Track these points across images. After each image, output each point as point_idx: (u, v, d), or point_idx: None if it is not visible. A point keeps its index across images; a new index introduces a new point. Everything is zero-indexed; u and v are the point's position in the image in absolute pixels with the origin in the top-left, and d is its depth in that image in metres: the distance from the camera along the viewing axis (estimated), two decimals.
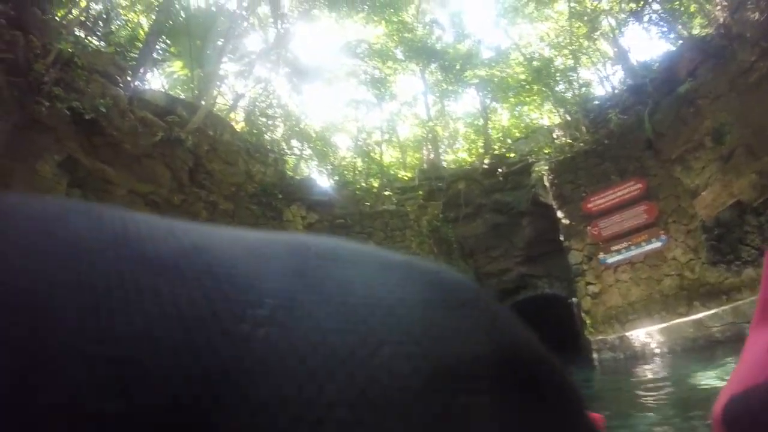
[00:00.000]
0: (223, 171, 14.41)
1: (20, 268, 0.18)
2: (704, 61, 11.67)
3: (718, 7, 11.61)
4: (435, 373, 0.20)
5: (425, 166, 18.38)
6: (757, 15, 10.77)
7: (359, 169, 18.33)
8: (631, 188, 12.93)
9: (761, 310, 0.59)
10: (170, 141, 12.73)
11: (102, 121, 11.51)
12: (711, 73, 11.48)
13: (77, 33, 12.09)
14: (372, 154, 18.80)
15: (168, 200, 12.85)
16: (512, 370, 0.22)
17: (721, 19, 11.47)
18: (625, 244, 12.82)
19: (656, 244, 12.40)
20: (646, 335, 11.61)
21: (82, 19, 12.52)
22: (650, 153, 12.82)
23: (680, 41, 13.10)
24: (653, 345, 11.42)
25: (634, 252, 12.68)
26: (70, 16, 12.09)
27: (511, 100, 18.31)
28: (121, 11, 14.77)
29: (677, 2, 13.58)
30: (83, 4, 12.87)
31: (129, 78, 12.84)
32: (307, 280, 0.21)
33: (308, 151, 18.01)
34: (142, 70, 13.26)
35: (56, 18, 11.56)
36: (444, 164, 18.61)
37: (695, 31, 13.03)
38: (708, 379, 8.55)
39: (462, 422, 0.20)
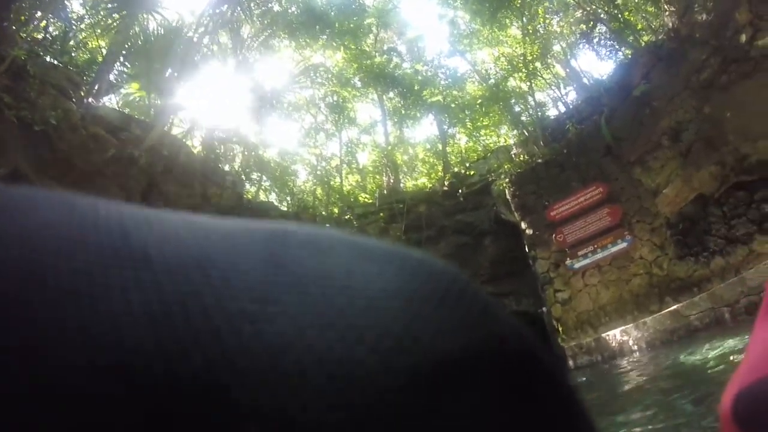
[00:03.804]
0: (178, 193, 13.88)
1: None
2: (657, 65, 12.21)
3: (667, 13, 12.26)
4: (420, 369, 0.19)
5: (385, 191, 18.33)
6: (704, 16, 11.41)
7: (319, 197, 18.11)
8: (592, 193, 13.10)
9: None
10: (123, 159, 12.24)
11: (52, 135, 10.99)
12: (664, 74, 11.98)
13: (33, 47, 11.67)
14: (332, 181, 18.65)
15: None
16: (502, 365, 0.22)
17: (671, 24, 12.09)
18: (591, 248, 12.86)
19: (622, 245, 12.48)
20: (622, 333, 11.48)
21: (38, 37, 12.18)
22: (609, 158, 13.11)
23: (632, 51, 13.72)
24: (630, 342, 11.27)
25: (600, 255, 12.71)
26: (26, 28, 11.71)
27: (469, 125, 18.70)
28: (80, 34, 14.48)
29: (627, 16, 14.29)
30: (43, 24, 12.57)
31: (83, 93, 12.43)
32: (284, 271, 0.20)
33: (267, 182, 17.74)
34: (97, 87, 12.89)
35: (13, 27, 11.16)
36: (404, 189, 18.63)
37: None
38: (690, 360, 8.43)
39: (450, 420, 0.19)
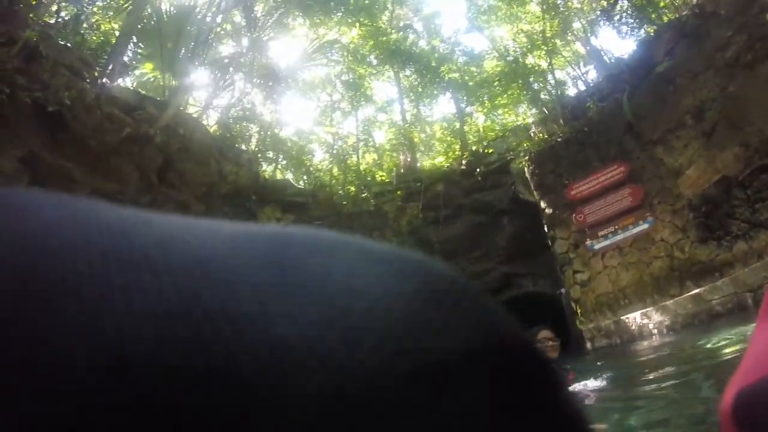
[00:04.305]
0: (194, 171, 13.87)
1: None
2: (680, 41, 11.84)
3: None
4: (420, 369, 0.20)
5: (402, 170, 18.18)
6: None
7: (335, 176, 18.04)
8: (614, 172, 12.84)
9: None
10: (138, 138, 12.23)
11: (66, 115, 10.99)
12: (688, 51, 11.62)
13: (45, 29, 11.60)
14: (348, 160, 18.54)
15: (135, 200, 12.23)
16: (501, 365, 0.22)
17: (695, 0, 11.70)
18: (611, 229, 12.65)
19: (643, 227, 12.25)
20: (642, 316, 11.36)
21: (49, 20, 12.09)
22: (631, 136, 12.80)
23: (655, 28, 13.30)
24: (651, 326, 11.15)
25: (621, 236, 12.50)
26: (37, 11, 11.64)
27: (487, 103, 18.40)
28: (92, 18, 14.39)
29: None
30: (55, 8, 12.48)
31: (96, 74, 12.39)
32: (285, 272, 0.20)
33: (284, 161, 17.69)
34: (111, 67, 12.83)
35: (25, 10, 11.11)
36: (421, 168, 18.48)
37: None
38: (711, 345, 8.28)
39: (450, 420, 0.20)
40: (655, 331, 11.02)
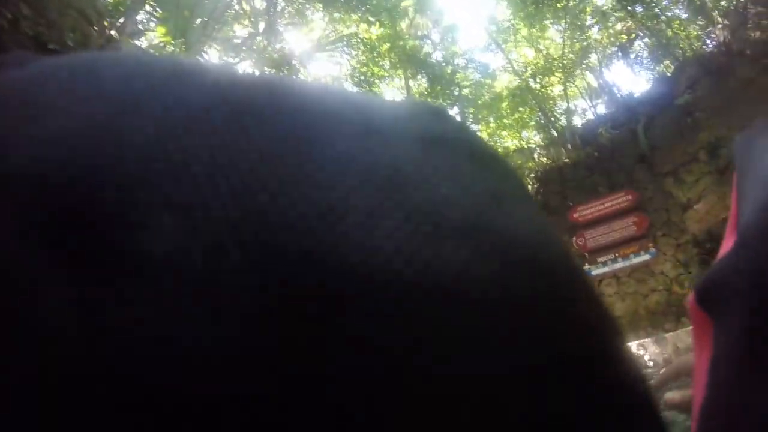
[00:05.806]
0: None
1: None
2: (703, 77, 11.86)
3: (720, 26, 11.96)
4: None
5: None
6: (758, 33, 11.11)
7: None
8: (621, 199, 12.64)
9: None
10: None
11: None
12: (710, 87, 11.63)
13: None
14: None
15: None
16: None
17: (722, 38, 11.79)
18: (611, 256, 12.39)
19: (645, 257, 12.03)
20: (638, 347, 11.01)
21: None
22: (642, 166, 12.68)
23: (675, 63, 13.37)
24: (647, 357, 10.81)
25: (620, 264, 12.25)
26: None
27: (492, 124, 18.28)
28: None
29: (675, 28, 13.92)
30: None
31: (106, 24, 11.92)
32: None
33: None
34: (122, 22, 12.37)
35: None
36: None
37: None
38: None
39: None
40: (651, 363, 10.67)
